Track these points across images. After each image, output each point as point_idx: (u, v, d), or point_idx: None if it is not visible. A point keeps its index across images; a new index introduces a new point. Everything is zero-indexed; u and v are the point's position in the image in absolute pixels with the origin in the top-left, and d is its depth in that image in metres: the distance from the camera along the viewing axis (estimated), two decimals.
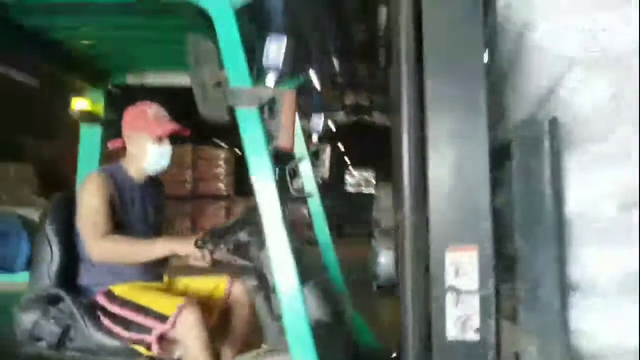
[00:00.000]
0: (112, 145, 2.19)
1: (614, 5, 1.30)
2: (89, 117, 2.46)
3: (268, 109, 1.40)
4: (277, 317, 1.68)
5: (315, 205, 2.53)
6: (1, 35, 1.93)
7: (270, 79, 1.40)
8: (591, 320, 1.26)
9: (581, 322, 1.27)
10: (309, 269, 2.17)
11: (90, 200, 1.91)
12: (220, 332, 2.15)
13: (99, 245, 1.88)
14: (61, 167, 7.40)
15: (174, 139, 2.10)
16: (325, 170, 2.50)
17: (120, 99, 2.59)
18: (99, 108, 2.50)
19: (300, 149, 2.51)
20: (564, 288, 1.29)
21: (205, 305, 2.16)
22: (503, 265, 1.43)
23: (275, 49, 1.37)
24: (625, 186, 1.22)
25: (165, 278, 2.17)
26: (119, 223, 1.98)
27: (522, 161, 1.35)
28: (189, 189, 9.43)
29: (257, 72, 1.50)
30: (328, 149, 2.53)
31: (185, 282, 2.22)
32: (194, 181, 9.54)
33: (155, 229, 2.18)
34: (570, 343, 1.28)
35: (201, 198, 9.53)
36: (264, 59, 1.38)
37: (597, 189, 1.24)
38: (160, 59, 2.36)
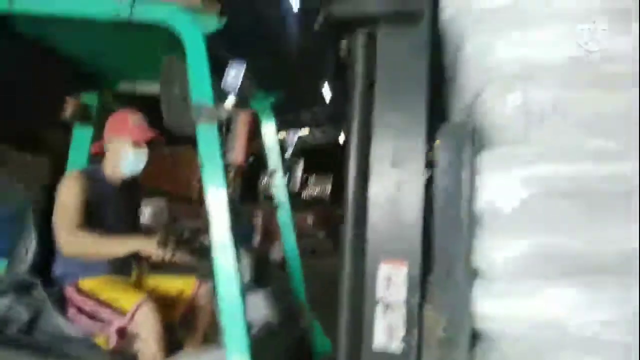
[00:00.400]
0: (94, 149, 2.35)
1: (540, 21, 1.43)
2: (82, 117, 2.58)
3: (226, 126, 1.56)
4: None
5: (284, 216, 2.68)
6: (2, 41, 2.11)
7: (230, 100, 1.56)
8: (492, 303, 1.37)
9: (484, 304, 1.38)
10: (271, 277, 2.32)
11: (66, 197, 2.03)
12: (184, 329, 2.28)
13: (69, 239, 1.99)
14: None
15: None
16: (295, 184, 2.65)
17: (113, 103, 2.75)
18: (92, 110, 2.62)
19: (274, 162, 2.68)
20: (470, 274, 1.42)
21: (172, 303, 2.30)
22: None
23: (234, 74, 1.53)
24: (532, 181, 1.34)
25: (134, 274, 2.27)
26: (93, 221, 2.08)
27: (443, 165, 1.47)
28: (197, 189, 8.90)
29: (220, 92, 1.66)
30: (300, 164, 2.68)
31: (155, 280, 2.33)
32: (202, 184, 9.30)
33: (130, 228, 2.28)
34: (473, 323, 1.41)
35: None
36: (223, 82, 1.53)
37: (506, 185, 1.37)
38: (150, 69, 2.51)
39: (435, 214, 1.48)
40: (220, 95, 1.57)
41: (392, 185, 1.57)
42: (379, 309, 1.56)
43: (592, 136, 1.34)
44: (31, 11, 1.73)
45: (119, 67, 2.46)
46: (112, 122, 2.23)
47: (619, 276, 1.27)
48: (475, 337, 1.44)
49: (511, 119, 1.41)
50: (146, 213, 7.09)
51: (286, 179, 2.67)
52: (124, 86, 2.67)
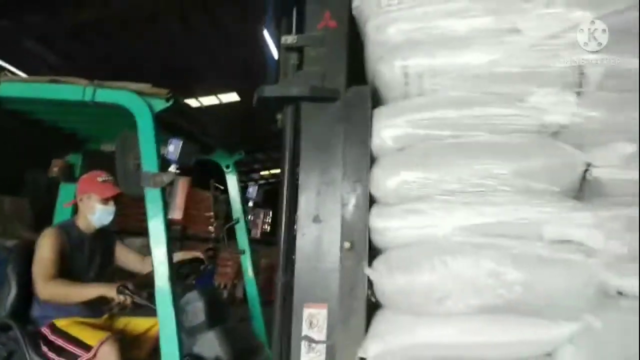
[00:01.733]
0: (67, 205, 2.60)
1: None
2: (68, 176, 2.77)
3: (168, 190, 1.79)
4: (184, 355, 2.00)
5: (246, 261, 2.88)
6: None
7: (172, 168, 1.80)
8: (382, 220, 1.60)
9: (377, 221, 1.62)
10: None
11: (43, 251, 2.25)
12: None
13: (45, 287, 2.20)
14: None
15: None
16: (257, 232, 2.85)
17: (94, 163, 2.99)
18: (77, 169, 2.83)
19: (237, 212, 2.90)
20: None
21: (139, 341, 2.48)
22: None
23: (173, 148, 1.77)
24: (413, 124, 1.57)
25: (106, 316, 2.46)
26: (68, 269, 2.29)
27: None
28: (179, 230, 9.04)
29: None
30: (262, 214, 2.89)
31: (125, 320, 2.50)
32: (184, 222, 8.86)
33: (103, 272, 2.49)
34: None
35: (189, 239, 9.24)
36: (165, 154, 1.77)
37: (394, 128, 1.61)
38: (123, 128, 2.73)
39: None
40: (164, 164, 1.80)
41: (314, 239, 1.77)
42: (303, 346, 1.73)
43: (458, 90, 1.54)
44: (13, 96, 1.98)
45: (99, 132, 2.69)
46: (82, 182, 2.47)
47: (477, 196, 1.46)
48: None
49: (396, 80, 1.61)
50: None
51: (250, 225, 2.89)
52: (105, 146, 2.85)
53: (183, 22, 9.01)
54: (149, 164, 1.79)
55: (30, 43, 9.48)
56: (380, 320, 1.57)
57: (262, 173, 21.18)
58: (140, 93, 1.84)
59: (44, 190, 8.34)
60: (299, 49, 1.81)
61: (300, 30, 1.86)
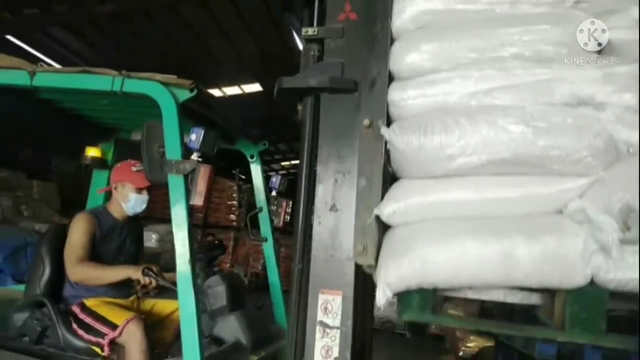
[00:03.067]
0: (100, 191, 2.70)
1: None
2: (100, 164, 2.91)
3: (191, 177, 1.86)
4: (204, 336, 2.08)
5: (269, 249, 2.95)
6: (34, 108, 2.49)
7: (195, 156, 1.87)
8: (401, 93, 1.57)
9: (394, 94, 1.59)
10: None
11: (75, 235, 2.36)
12: (176, 345, 2.55)
13: (75, 269, 2.31)
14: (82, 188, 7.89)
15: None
16: (279, 220, 2.92)
17: (125, 151, 3.10)
18: (109, 156, 2.97)
19: (260, 201, 2.97)
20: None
21: (165, 323, 2.59)
22: None
23: (195, 137, 1.84)
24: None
25: (133, 297, 2.57)
26: (99, 253, 2.40)
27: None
28: (201, 218, 9.28)
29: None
30: (284, 203, 2.95)
31: (151, 302, 2.61)
32: (206, 210, 9.26)
33: (132, 258, 2.59)
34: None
35: (211, 227, 9.29)
36: (188, 142, 1.84)
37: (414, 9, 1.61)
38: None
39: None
40: (187, 152, 1.87)
41: (330, 227, 1.82)
42: (318, 331, 1.80)
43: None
44: (47, 86, 2.07)
45: (129, 121, 2.78)
46: (117, 170, 2.55)
47: (492, 64, 1.45)
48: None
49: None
50: (153, 238, 7.40)
51: (272, 215, 2.96)
52: (136, 135, 3.01)
53: (207, 10, 9.07)
54: (172, 151, 1.86)
55: (57, 31, 9.72)
56: (396, 187, 1.56)
57: (283, 164, 21.30)
58: (165, 84, 1.91)
59: (72, 175, 8.66)
60: (319, 41, 1.84)
61: (321, 21, 1.89)
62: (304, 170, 1.88)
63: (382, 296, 1.43)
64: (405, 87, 1.56)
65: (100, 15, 9.12)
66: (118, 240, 2.53)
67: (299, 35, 1.96)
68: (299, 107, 1.95)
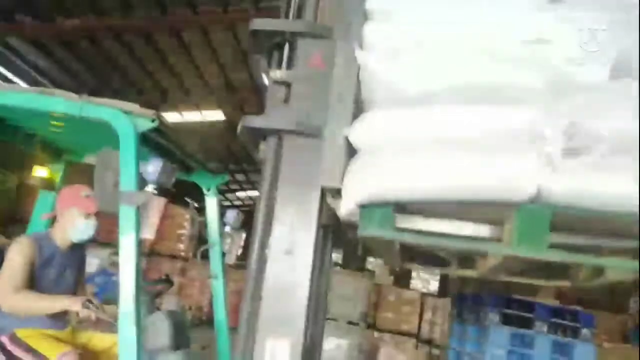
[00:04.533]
0: (45, 217, 2.57)
1: None
2: (47, 185, 2.81)
3: (143, 208, 1.81)
4: None
5: (218, 286, 2.88)
6: None
7: (149, 188, 1.82)
8: None
9: None
10: None
11: (12, 260, 2.22)
12: None
13: (9, 298, 2.17)
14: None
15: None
16: (231, 257, 2.87)
17: (75, 174, 3.00)
18: (57, 178, 2.85)
19: (214, 235, 2.92)
20: None
21: (100, 358, 2.45)
22: None
23: (153, 169, 1.80)
24: None
25: (69, 329, 2.43)
26: (36, 281, 2.27)
27: None
28: (148, 246, 8.76)
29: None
30: (238, 240, 2.91)
31: (88, 335, 2.48)
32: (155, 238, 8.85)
33: (71, 288, 2.46)
34: None
35: (158, 255, 9.00)
36: (144, 173, 1.80)
37: None
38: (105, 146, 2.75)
39: None
40: (141, 183, 1.83)
41: (284, 271, 1.80)
42: None
43: None
44: (2, 103, 2.00)
45: (83, 144, 2.71)
46: (64, 195, 2.45)
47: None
48: None
49: None
50: (94, 263, 7.08)
51: (225, 250, 2.90)
52: (89, 159, 2.92)
53: (179, 39, 9.08)
54: (127, 182, 1.81)
55: (21, 44, 9.46)
56: (365, 115, 1.60)
57: (238, 194, 21.06)
58: (126, 112, 1.87)
59: (12, 191, 8.31)
60: (287, 84, 1.87)
61: (290, 65, 1.92)
62: (262, 210, 1.87)
63: (346, 207, 1.52)
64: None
65: (67, 32, 8.96)
66: (58, 269, 2.41)
67: (266, 74, 1.98)
68: (262, 146, 1.96)
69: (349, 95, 1.65)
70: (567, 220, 1.45)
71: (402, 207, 1.54)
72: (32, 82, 10.13)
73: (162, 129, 1.96)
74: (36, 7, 8.43)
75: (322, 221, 1.85)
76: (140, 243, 1.81)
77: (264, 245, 1.83)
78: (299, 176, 1.82)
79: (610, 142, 1.33)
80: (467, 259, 2.06)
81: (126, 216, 1.80)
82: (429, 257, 2.16)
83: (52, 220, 2.57)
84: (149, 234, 1.76)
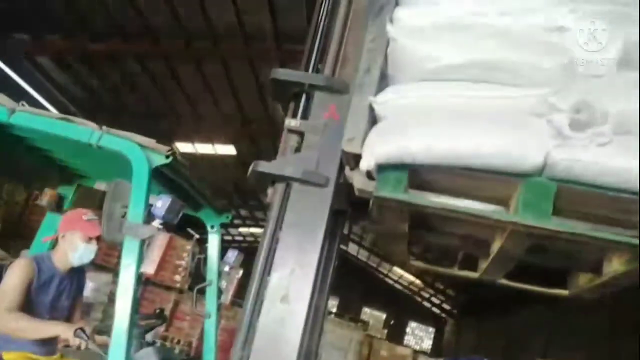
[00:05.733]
0: (46, 240, 2.62)
1: None
2: (56, 207, 2.86)
3: (147, 242, 1.86)
4: None
5: (210, 326, 2.88)
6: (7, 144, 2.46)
7: (156, 223, 1.88)
8: None
9: None
10: None
11: (10, 280, 2.26)
12: None
13: (2, 318, 2.18)
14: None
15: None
16: (227, 298, 2.89)
17: (84, 198, 3.07)
18: (67, 201, 2.91)
19: (212, 274, 2.94)
20: None
21: None
22: None
23: (161, 204, 1.86)
24: None
25: (57, 355, 2.44)
26: (31, 304, 2.29)
27: None
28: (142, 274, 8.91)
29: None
30: (236, 280, 2.93)
31: None
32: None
33: (65, 314, 2.48)
34: None
35: (153, 285, 8.48)
36: (152, 208, 1.86)
37: None
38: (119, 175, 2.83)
39: None
40: (149, 217, 1.88)
41: (278, 319, 1.81)
42: None
43: None
44: (25, 125, 2.09)
45: (94, 170, 2.78)
46: (66, 218, 2.51)
47: None
48: None
49: None
50: (89, 287, 7.04)
51: (222, 289, 2.92)
52: (99, 185, 2.97)
53: (198, 68, 9.34)
54: (135, 214, 1.86)
55: (44, 60, 9.78)
56: (389, 87, 1.72)
57: (241, 229, 21.01)
58: (142, 146, 1.95)
59: (19, 205, 8.37)
60: (300, 133, 1.94)
61: (305, 115, 2.00)
62: (262, 255, 1.89)
63: (366, 163, 1.59)
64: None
65: (92, 53, 9.26)
66: (54, 293, 2.44)
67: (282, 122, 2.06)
68: (269, 191, 2.01)
69: (375, 70, 1.75)
70: (570, 201, 1.53)
71: (416, 183, 1.63)
72: (51, 99, 10.44)
73: (175, 166, 2.03)
74: (64, 27, 8.78)
75: (321, 270, 1.88)
76: (140, 277, 1.85)
77: (260, 291, 1.86)
78: (302, 224, 1.86)
79: (616, 121, 1.44)
80: (471, 253, 2.13)
81: (130, 248, 1.85)
82: (435, 249, 2.23)
83: (54, 243, 2.61)
84: (150, 269, 1.81)
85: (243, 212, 18.26)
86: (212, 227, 2.96)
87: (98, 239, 2.46)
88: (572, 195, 1.51)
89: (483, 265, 2.05)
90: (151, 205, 1.89)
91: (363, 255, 21.77)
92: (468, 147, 1.51)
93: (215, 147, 12.33)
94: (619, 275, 1.71)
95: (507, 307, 13.92)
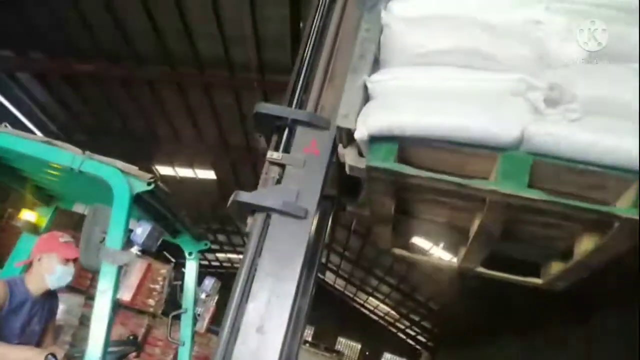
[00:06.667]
0: (18, 264, 2.56)
1: None
2: (32, 228, 2.80)
3: (125, 269, 1.86)
4: None
5: (184, 353, 2.85)
6: None
7: (134, 249, 1.88)
8: None
9: None
10: None
11: None
12: None
13: None
14: None
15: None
16: (202, 326, 2.87)
17: (62, 220, 3.04)
18: (43, 222, 2.86)
19: (188, 302, 2.92)
20: None
21: None
22: None
23: (141, 231, 1.88)
24: None
25: None
26: (1, 327, 2.24)
27: None
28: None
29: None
30: (212, 308, 2.92)
31: None
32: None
33: (35, 339, 2.43)
34: None
35: (126, 308, 7.95)
36: (132, 235, 1.87)
37: None
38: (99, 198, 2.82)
39: None
40: (128, 243, 1.89)
41: (253, 350, 1.81)
42: None
43: None
44: (7, 147, 2.09)
45: (74, 193, 2.77)
46: (42, 241, 2.48)
47: None
48: None
49: None
50: (59, 309, 6.81)
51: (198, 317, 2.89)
52: (78, 207, 2.95)
53: (181, 93, 9.38)
54: (113, 240, 1.87)
55: (27, 78, 9.72)
56: (381, 70, 1.84)
57: (218, 255, 20.76)
58: (124, 172, 1.96)
59: None
60: (281, 165, 1.99)
61: (287, 148, 2.05)
62: (240, 283, 1.91)
63: (360, 134, 1.69)
64: None
65: (76, 73, 9.25)
66: (25, 318, 2.39)
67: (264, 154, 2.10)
68: (249, 220, 2.04)
69: (369, 56, 1.86)
70: (544, 176, 1.65)
71: (404, 160, 1.74)
72: (30, 116, 10.34)
73: (157, 193, 2.05)
74: (49, 46, 8.77)
75: (297, 301, 1.90)
76: (115, 303, 1.84)
77: (236, 320, 1.87)
78: (280, 254, 1.89)
79: (585, 103, 1.59)
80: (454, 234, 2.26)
81: (107, 274, 1.84)
82: (422, 231, 2.34)
83: (27, 266, 2.56)
84: (126, 296, 1.80)
85: (221, 238, 18.09)
86: (190, 254, 2.95)
87: (75, 261, 2.43)
88: (545, 169, 1.64)
89: (462, 254, 2.21)
90: (130, 231, 1.89)
91: (340, 284, 21.67)
92: (453, 122, 1.64)
93: (196, 171, 12.30)
94: (589, 254, 1.84)
95: (482, 341, 13.95)
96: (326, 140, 1.99)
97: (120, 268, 1.85)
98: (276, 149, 2.05)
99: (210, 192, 12.73)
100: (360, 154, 1.82)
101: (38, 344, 2.42)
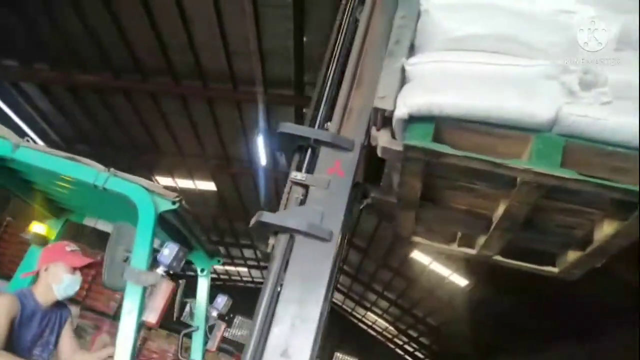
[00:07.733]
0: (24, 276, 2.53)
1: None
2: (41, 241, 2.76)
3: (150, 290, 1.83)
4: None
5: None
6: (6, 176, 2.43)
7: (160, 270, 1.85)
8: None
9: None
10: None
11: None
12: None
13: None
14: None
15: None
16: (214, 344, 2.82)
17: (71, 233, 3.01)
18: (52, 235, 2.83)
19: (199, 320, 2.88)
20: None
21: None
22: None
23: (168, 252, 1.85)
24: None
25: None
26: (12, 341, 2.19)
27: None
28: (113, 308, 8.60)
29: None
30: (223, 327, 2.88)
31: None
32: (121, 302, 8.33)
33: (47, 351, 2.40)
34: None
35: (114, 318, 8.29)
36: (159, 256, 1.84)
37: None
38: (110, 214, 2.73)
39: None
40: (153, 263, 1.86)
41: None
42: None
43: None
44: (28, 162, 2.05)
45: (85, 206, 2.75)
46: (48, 251, 2.45)
47: None
48: None
49: None
50: None
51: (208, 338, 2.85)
52: (88, 221, 2.92)
53: (184, 106, 9.39)
54: (139, 260, 1.84)
55: (31, 88, 9.71)
56: (418, 54, 1.89)
57: (227, 268, 20.50)
58: (150, 190, 1.94)
59: None
60: (305, 186, 1.97)
61: (310, 169, 2.03)
62: (263, 307, 1.87)
63: (400, 112, 1.71)
64: None
65: (79, 83, 9.25)
66: (36, 330, 2.35)
67: (287, 172, 2.08)
68: (271, 241, 2.01)
69: (405, 41, 1.91)
70: (576, 159, 1.68)
71: (439, 141, 1.74)
72: (32, 125, 10.31)
73: (180, 212, 2.03)
74: (54, 57, 8.77)
75: (322, 324, 1.87)
76: (140, 326, 1.80)
77: (260, 343, 1.83)
78: (305, 277, 1.86)
79: (614, 88, 1.64)
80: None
81: (131, 295, 1.81)
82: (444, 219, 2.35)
83: (35, 278, 2.52)
84: (152, 318, 1.76)
85: (233, 251, 17.94)
86: (202, 270, 2.92)
87: (82, 270, 2.40)
88: (577, 151, 1.67)
89: (481, 241, 2.28)
90: (156, 251, 1.87)
91: (338, 298, 21.54)
92: (490, 102, 1.67)
93: (196, 183, 12.26)
94: (609, 239, 1.88)
95: (480, 358, 13.86)
96: (350, 161, 1.98)
97: (144, 289, 1.82)
98: (298, 169, 2.04)
99: (210, 203, 12.69)
100: (393, 136, 1.84)
101: (54, 355, 2.37)
